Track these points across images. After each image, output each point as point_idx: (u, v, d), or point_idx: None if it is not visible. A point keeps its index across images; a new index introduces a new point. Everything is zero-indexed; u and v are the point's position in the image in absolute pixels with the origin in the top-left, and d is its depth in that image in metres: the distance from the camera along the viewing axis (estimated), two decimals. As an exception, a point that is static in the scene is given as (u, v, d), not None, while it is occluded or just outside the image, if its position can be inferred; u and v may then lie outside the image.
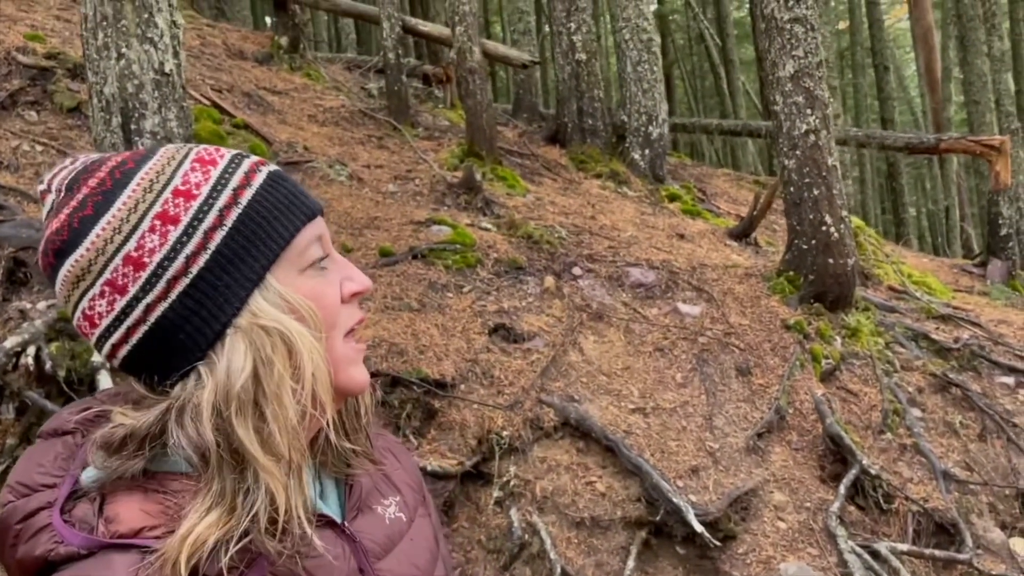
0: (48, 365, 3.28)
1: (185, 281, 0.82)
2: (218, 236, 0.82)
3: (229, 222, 0.83)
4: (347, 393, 0.92)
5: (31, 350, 3.28)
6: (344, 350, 0.89)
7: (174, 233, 0.82)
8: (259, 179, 0.87)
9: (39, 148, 4.81)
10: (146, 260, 0.81)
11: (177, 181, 0.84)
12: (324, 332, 0.86)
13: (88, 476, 0.82)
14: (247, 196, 0.85)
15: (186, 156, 0.86)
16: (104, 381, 3.24)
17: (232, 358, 0.81)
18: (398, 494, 1.03)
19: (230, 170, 0.86)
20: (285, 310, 0.83)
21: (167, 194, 0.83)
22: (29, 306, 3.54)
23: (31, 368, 3.26)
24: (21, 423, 3.30)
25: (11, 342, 3.28)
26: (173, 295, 0.81)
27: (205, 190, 0.83)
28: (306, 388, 0.82)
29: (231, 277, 0.83)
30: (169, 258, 0.81)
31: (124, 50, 3.51)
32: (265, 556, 0.81)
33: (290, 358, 0.82)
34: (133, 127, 3.53)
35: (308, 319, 0.84)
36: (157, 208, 0.82)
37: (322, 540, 0.86)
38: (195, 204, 0.83)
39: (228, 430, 0.79)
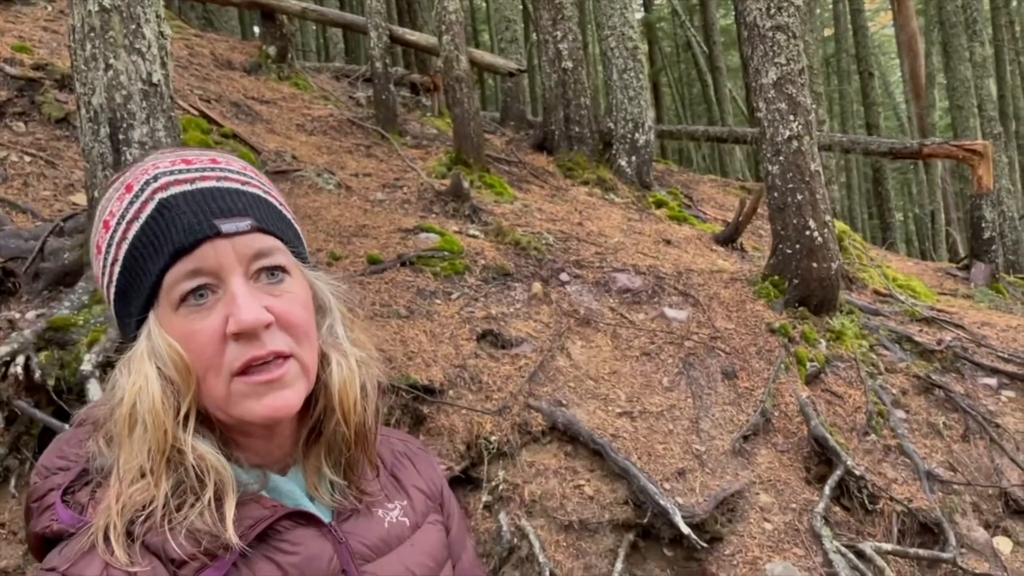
0: (37, 374, 3.30)
1: (111, 307, 0.91)
2: (116, 271, 0.88)
3: (121, 257, 0.87)
4: (251, 425, 0.88)
5: (20, 359, 3.29)
6: (231, 388, 0.84)
7: (98, 263, 0.90)
8: (147, 210, 0.86)
9: (27, 159, 4.82)
10: (100, 282, 0.92)
11: (107, 209, 0.90)
12: (194, 373, 0.84)
13: (96, 463, 0.88)
14: (133, 231, 0.86)
15: (125, 180, 0.90)
16: (93, 389, 3.25)
17: (111, 385, 0.88)
18: (405, 499, 1.03)
19: (134, 199, 0.87)
20: (151, 351, 0.85)
21: (100, 223, 0.90)
22: (18, 316, 3.55)
23: (20, 377, 3.27)
24: (10, 432, 3.31)
25: (0, 351, 3.29)
26: (114, 317, 0.91)
27: (113, 222, 0.88)
28: (139, 432, 0.84)
29: (126, 310, 0.89)
30: (102, 283, 0.91)
31: (112, 61, 3.54)
32: (230, 548, 0.83)
33: (122, 404, 0.85)
34: (121, 137, 3.56)
35: (167, 362, 0.84)
36: (96, 238, 0.90)
37: (302, 538, 0.88)
38: (107, 236, 0.88)
39: (111, 439, 0.86)
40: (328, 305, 0.95)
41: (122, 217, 0.87)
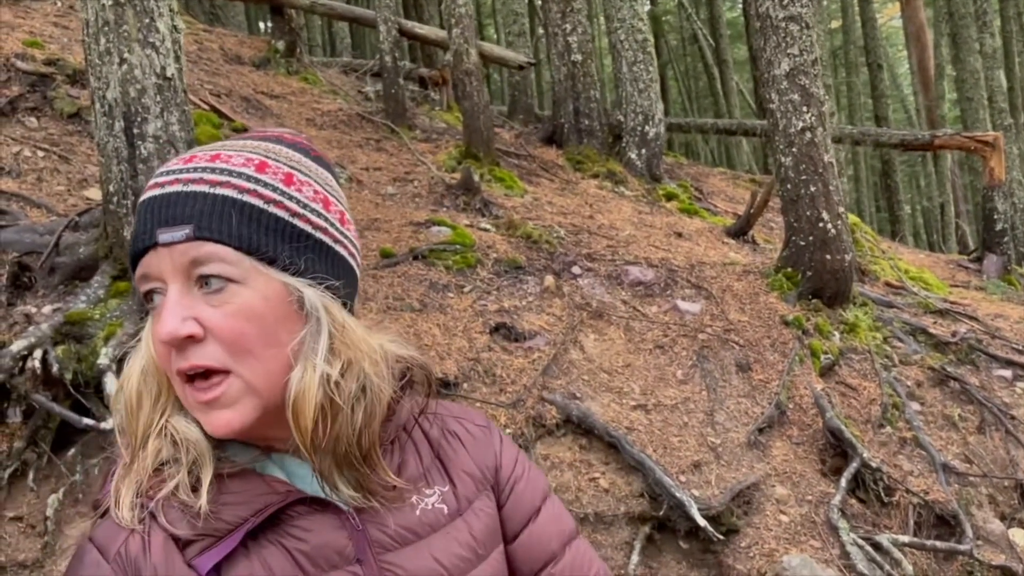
0: (55, 368, 3.30)
1: None
2: None
3: None
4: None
5: (37, 353, 3.30)
6: (185, 394, 0.86)
7: None
8: (138, 207, 0.90)
9: (40, 154, 4.83)
10: None
11: None
12: (160, 370, 0.88)
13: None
14: (133, 224, 0.91)
15: None
16: (110, 383, 3.26)
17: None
18: (448, 485, 0.98)
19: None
20: (143, 343, 0.91)
21: None
22: (34, 310, 3.56)
23: (38, 371, 3.28)
24: (28, 426, 3.32)
25: (17, 346, 3.30)
26: None
27: None
28: (127, 417, 0.90)
29: None
30: None
31: (126, 55, 3.54)
32: (240, 528, 0.85)
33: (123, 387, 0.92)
34: (136, 131, 3.56)
35: (148, 359, 0.90)
36: None
37: (314, 525, 0.88)
38: None
39: None
40: (314, 313, 0.88)
41: None
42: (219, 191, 0.86)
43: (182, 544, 0.83)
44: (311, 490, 0.89)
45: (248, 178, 0.88)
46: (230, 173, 0.87)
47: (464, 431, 1.06)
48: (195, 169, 0.87)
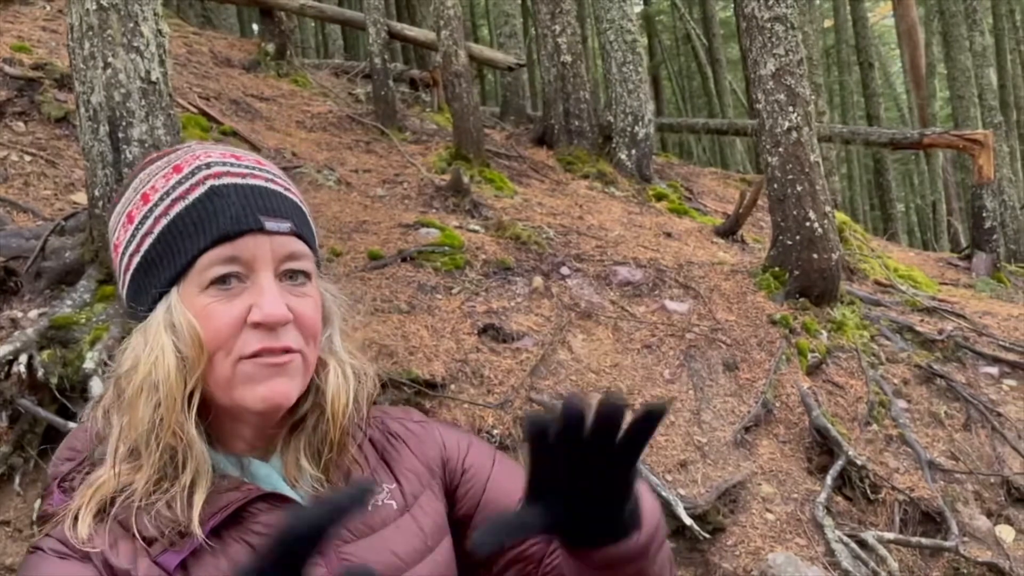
0: (40, 373, 3.31)
1: (127, 277, 0.93)
2: (147, 242, 0.91)
3: (157, 230, 0.91)
4: (248, 411, 0.91)
5: (23, 358, 3.30)
6: (235, 370, 0.88)
7: (126, 231, 0.93)
8: (197, 192, 0.90)
9: (27, 158, 4.83)
10: (118, 251, 0.94)
11: (149, 184, 0.93)
12: (206, 351, 0.87)
13: (99, 451, 0.92)
14: (177, 209, 0.90)
15: (171, 160, 0.94)
16: (96, 387, 3.26)
17: (124, 353, 0.91)
18: (394, 483, 1.03)
19: (183, 180, 0.91)
20: (169, 324, 0.88)
21: (138, 196, 0.93)
22: (20, 315, 3.56)
23: (23, 376, 3.28)
24: (14, 431, 3.33)
25: (3, 350, 3.30)
26: (126, 287, 0.94)
27: (155, 197, 0.92)
28: (149, 402, 0.87)
29: (148, 282, 0.91)
30: (125, 252, 0.93)
31: (110, 59, 3.54)
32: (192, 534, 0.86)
33: (138, 370, 0.88)
34: (121, 135, 3.56)
35: (183, 336, 0.87)
36: (129, 208, 0.93)
37: (276, 519, 0.90)
38: (145, 209, 0.92)
39: (111, 414, 0.91)
40: (330, 315, 0.99)
41: (167, 194, 0.91)
42: (289, 195, 0.95)
43: (147, 542, 0.85)
44: (269, 488, 0.92)
45: (294, 188, 0.98)
46: (286, 180, 0.97)
47: (405, 430, 1.10)
48: (261, 169, 0.95)
